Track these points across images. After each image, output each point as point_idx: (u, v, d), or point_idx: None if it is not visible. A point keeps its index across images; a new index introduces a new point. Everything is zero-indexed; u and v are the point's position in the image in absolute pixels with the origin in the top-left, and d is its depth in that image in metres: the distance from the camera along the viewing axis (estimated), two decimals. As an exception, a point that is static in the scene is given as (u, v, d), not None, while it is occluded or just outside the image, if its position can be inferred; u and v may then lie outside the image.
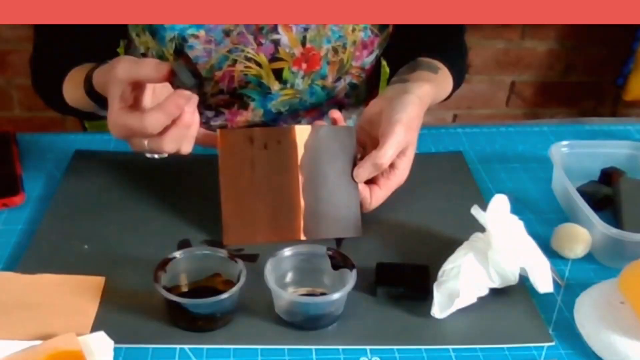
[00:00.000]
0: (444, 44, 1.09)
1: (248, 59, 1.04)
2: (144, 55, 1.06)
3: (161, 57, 1.04)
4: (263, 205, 0.87)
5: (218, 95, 1.09)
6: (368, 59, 1.11)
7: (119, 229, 0.89)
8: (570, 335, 0.76)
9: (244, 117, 1.12)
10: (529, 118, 2.43)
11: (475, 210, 0.79)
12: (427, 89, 0.94)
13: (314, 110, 1.17)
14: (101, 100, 0.84)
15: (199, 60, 1.03)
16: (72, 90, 0.95)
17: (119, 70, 0.77)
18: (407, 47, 1.08)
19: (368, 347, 0.73)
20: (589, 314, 0.76)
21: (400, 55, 1.08)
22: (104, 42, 1.05)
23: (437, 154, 1.06)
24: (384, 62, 1.27)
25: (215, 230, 0.88)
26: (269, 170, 0.87)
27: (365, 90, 1.22)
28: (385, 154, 0.86)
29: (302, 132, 0.87)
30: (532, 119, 2.41)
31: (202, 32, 1.01)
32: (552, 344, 0.74)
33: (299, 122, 1.17)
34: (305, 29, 1.04)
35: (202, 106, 1.11)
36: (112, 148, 1.04)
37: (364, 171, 0.87)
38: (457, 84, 1.09)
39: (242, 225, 0.87)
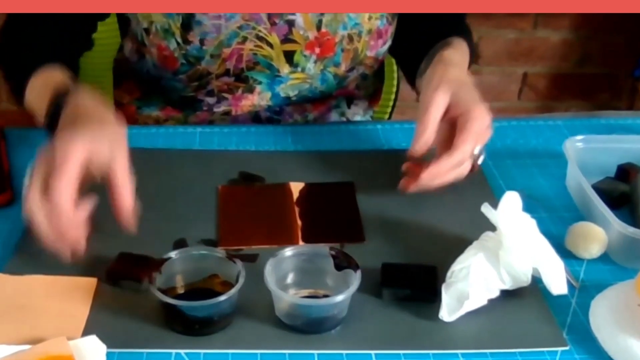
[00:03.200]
0: (447, 27, 1.10)
1: (259, 38, 1.05)
2: (147, 30, 1.06)
3: (167, 30, 1.04)
4: (259, 221, 0.90)
5: (223, 77, 1.08)
6: (382, 49, 1.12)
7: (112, 227, 0.89)
8: (585, 339, 0.76)
9: (250, 101, 1.12)
10: (542, 111, 2.43)
11: (486, 208, 0.79)
12: (447, 52, 0.98)
13: (322, 105, 1.17)
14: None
15: (207, 37, 1.03)
16: (34, 98, 0.94)
17: (116, 153, 0.77)
18: (411, 36, 1.10)
19: (373, 352, 0.73)
20: (605, 316, 0.76)
21: (406, 43, 1.10)
22: (82, 20, 1.06)
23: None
24: (387, 60, 1.28)
25: (213, 230, 0.88)
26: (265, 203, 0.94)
27: (372, 83, 1.23)
28: (425, 118, 0.89)
29: (295, 187, 0.96)
30: (546, 112, 2.41)
31: None
32: (567, 348, 0.74)
33: (305, 117, 1.18)
34: (322, 13, 1.04)
35: (204, 92, 1.11)
36: (104, 143, 1.04)
37: (418, 148, 0.89)
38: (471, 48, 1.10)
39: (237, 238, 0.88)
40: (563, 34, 2.31)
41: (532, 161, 1.04)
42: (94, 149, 0.76)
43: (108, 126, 0.81)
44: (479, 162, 0.93)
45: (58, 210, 0.74)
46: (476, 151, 0.91)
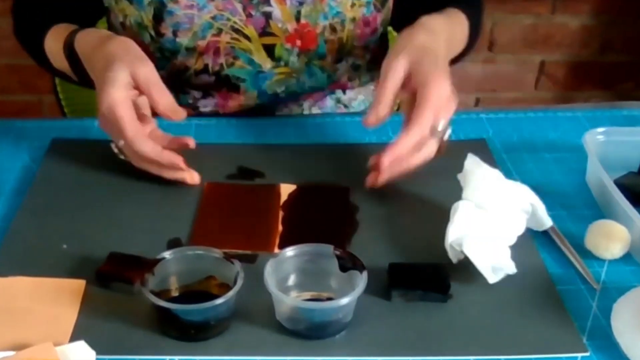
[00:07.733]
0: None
1: (235, 30, 1.05)
2: (122, 24, 1.08)
3: (140, 24, 1.05)
4: (238, 223, 0.90)
5: (202, 74, 1.09)
6: (372, 38, 1.11)
7: (102, 226, 0.89)
8: (606, 344, 0.75)
9: (237, 101, 1.12)
10: (560, 102, 2.42)
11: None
12: (427, 17, 0.95)
13: (315, 92, 1.16)
14: (78, 68, 0.97)
15: (179, 28, 1.04)
16: (53, 43, 1.02)
17: (140, 67, 0.88)
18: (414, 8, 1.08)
19: (380, 358, 0.73)
20: (628, 321, 0.76)
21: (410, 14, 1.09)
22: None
23: (458, 141, 1.06)
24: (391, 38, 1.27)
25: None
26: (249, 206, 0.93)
27: (366, 70, 1.22)
28: (381, 86, 0.88)
29: (286, 190, 0.95)
30: (564, 103, 2.41)
31: None
32: (587, 354, 0.74)
33: (300, 105, 1.17)
34: (300, 3, 1.04)
35: (188, 86, 1.11)
36: (93, 136, 1.04)
37: (372, 118, 0.89)
38: (473, 29, 1.08)
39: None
40: (583, 20, 2.30)
41: (550, 155, 1.04)
42: (128, 80, 0.88)
43: (118, 52, 0.90)
44: (445, 138, 0.90)
45: (152, 154, 0.89)
46: (440, 127, 0.88)
